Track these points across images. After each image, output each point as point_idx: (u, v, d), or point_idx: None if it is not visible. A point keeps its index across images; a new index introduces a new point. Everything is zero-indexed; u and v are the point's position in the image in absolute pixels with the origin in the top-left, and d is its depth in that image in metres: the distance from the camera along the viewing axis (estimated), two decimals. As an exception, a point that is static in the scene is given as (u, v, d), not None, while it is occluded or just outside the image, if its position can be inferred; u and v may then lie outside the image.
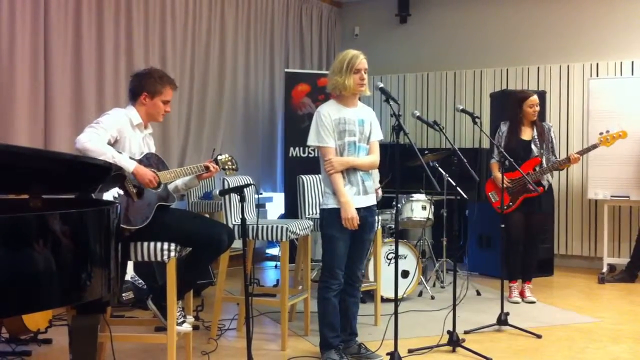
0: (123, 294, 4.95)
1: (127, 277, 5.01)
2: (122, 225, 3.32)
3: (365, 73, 3.91)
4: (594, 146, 5.66)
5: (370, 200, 4.05)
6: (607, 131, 5.60)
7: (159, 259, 3.59)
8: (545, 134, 5.61)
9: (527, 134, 5.63)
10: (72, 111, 5.53)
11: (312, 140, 3.95)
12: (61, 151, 4.94)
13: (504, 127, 5.72)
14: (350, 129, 3.93)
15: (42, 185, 2.97)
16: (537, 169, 5.53)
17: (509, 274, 5.71)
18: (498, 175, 5.52)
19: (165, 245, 3.58)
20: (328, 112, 3.92)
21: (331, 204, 3.91)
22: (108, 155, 3.43)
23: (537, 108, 5.61)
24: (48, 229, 2.58)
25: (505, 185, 5.29)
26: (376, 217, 4.34)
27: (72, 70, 5.55)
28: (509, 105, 5.88)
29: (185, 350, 3.89)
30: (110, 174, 3.14)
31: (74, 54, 5.56)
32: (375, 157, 4.05)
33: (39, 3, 5.22)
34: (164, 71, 3.99)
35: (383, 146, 4.15)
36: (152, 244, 3.58)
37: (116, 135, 3.57)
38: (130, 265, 4.98)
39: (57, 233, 2.60)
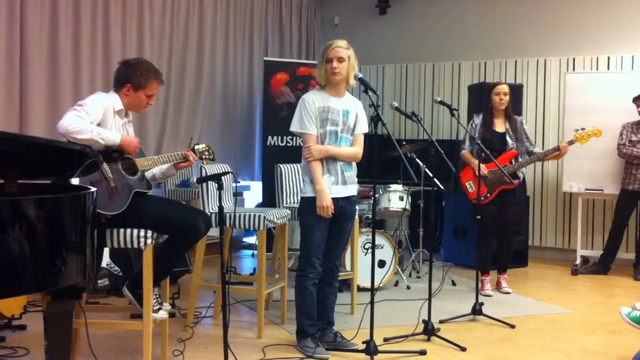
0: (99, 281, 4.92)
1: (103, 264, 4.99)
2: (98, 211, 3.29)
3: (339, 62, 3.87)
4: (571, 142, 5.70)
5: (350, 190, 4.05)
6: (583, 129, 5.68)
7: (135, 245, 3.56)
8: (518, 127, 5.63)
9: (500, 126, 5.63)
10: (48, 97, 5.47)
11: (294, 127, 3.97)
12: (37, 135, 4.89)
13: (477, 120, 5.70)
14: (333, 118, 3.93)
15: (18, 170, 2.93)
16: (513, 161, 5.55)
17: (480, 266, 5.73)
18: (476, 162, 5.38)
19: (142, 232, 3.56)
20: (313, 100, 3.93)
21: (309, 192, 3.92)
22: (94, 132, 3.40)
23: (505, 97, 5.54)
24: (23, 214, 2.55)
25: (483, 175, 5.32)
26: (356, 208, 4.35)
27: (48, 55, 5.48)
28: (483, 98, 5.87)
29: (161, 338, 3.87)
30: (87, 159, 3.10)
31: (50, 39, 5.49)
32: (357, 149, 4.05)
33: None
34: (152, 64, 3.84)
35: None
36: (128, 230, 3.56)
37: (100, 119, 3.53)
38: (106, 252, 4.95)
39: (32, 218, 2.57)
